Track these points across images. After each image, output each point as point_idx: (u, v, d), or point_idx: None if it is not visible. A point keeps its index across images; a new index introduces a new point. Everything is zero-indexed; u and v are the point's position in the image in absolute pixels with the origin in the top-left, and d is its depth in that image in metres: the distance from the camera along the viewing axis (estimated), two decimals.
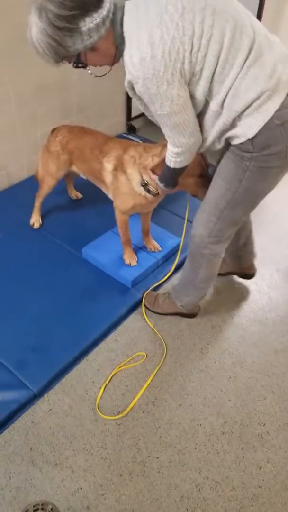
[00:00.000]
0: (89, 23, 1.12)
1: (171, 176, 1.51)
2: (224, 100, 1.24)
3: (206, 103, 1.27)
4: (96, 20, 1.12)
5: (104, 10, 1.13)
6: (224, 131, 1.31)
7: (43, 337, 1.81)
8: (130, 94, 1.31)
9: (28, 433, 1.52)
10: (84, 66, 1.27)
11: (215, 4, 1.16)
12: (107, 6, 1.13)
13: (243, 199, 1.44)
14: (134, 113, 3.33)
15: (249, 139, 1.27)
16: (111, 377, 1.71)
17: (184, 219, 1.96)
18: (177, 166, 1.41)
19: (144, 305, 2.01)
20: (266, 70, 1.21)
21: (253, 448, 1.51)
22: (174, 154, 1.36)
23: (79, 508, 1.35)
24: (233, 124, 1.29)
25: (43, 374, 1.67)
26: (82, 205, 2.56)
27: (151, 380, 1.72)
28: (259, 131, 1.24)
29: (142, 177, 1.74)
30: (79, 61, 1.24)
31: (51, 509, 1.34)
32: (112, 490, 1.39)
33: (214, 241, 1.59)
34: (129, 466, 1.45)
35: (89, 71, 1.31)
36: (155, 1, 1.14)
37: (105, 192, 2.07)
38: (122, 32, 1.18)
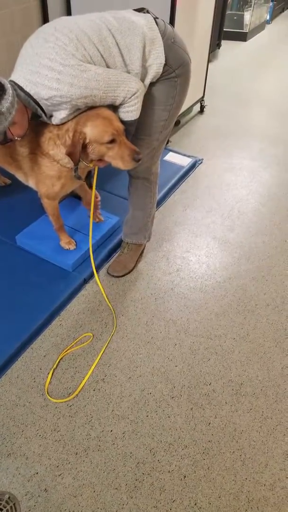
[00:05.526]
0: (4, 104, 1.36)
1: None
2: (124, 61, 1.48)
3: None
4: (8, 99, 1.36)
5: (9, 90, 1.37)
6: (149, 76, 1.57)
7: None
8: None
9: None
10: (11, 140, 1.55)
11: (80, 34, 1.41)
12: (8, 86, 1.38)
13: (174, 113, 1.73)
14: None
15: (165, 64, 1.55)
16: (58, 362, 1.70)
17: (118, 196, 1.96)
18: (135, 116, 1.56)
19: (115, 276, 2.11)
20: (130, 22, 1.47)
21: (201, 407, 1.58)
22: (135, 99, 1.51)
23: (37, 492, 1.34)
24: (150, 67, 1.53)
25: None
26: (12, 191, 2.47)
27: (100, 359, 1.73)
28: (166, 54, 1.52)
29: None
30: (6, 138, 1.52)
31: (9, 498, 1.32)
32: (69, 469, 1.40)
33: (155, 163, 1.88)
34: (84, 443, 1.46)
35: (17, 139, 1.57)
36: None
37: (23, 180, 1.94)
38: (29, 95, 1.43)
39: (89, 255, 2.14)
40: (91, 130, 1.53)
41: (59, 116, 1.53)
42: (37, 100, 1.45)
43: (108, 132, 1.53)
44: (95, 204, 2.17)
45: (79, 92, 1.40)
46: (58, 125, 1.60)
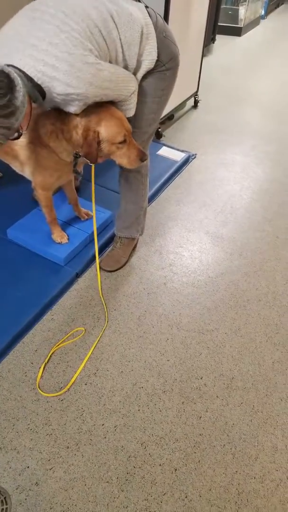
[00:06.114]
0: (18, 97, 1.25)
1: None
2: (124, 56, 1.47)
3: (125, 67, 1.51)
4: (21, 91, 1.25)
5: (18, 81, 1.25)
6: (141, 70, 1.57)
7: None
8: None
9: None
10: (20, 135, 1.42)
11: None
12: (15, 75, 1.25)
13: (162, 106, 1.75)
14: None
15: (157, 60, 1.55)
16: (50, 356, 1.70)
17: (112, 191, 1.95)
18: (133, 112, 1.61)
19: (108, 271, 2.10)
20: (128, 14, 1.43)
21: (193, 401, 1.59)
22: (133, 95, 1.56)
23: (28, 485, 1.34)
24: (143, 62, 1.53)
25: None
26: (3, 184, 2.45)
27: (92, 353, 1.73)
28: (158, 49, 1.52)
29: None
30: (18, 131, 1.40)
31: None
32: (60, 462, 1.40)
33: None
34: (75, 437, 1.46)
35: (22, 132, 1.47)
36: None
37: (18, 170, 1.91)
38: (37, 85, 1.34)
39: (82, 249, 2.13)
40: (105, 129, 1.53)
41: (67, 109, 1.48)
42: (48, 93, 1.37)
43: (121, 133, 1.54)
44: (75, 201, 2.17)
45: (95, 91, 1.39)
46: (63, 120, 1.56)
